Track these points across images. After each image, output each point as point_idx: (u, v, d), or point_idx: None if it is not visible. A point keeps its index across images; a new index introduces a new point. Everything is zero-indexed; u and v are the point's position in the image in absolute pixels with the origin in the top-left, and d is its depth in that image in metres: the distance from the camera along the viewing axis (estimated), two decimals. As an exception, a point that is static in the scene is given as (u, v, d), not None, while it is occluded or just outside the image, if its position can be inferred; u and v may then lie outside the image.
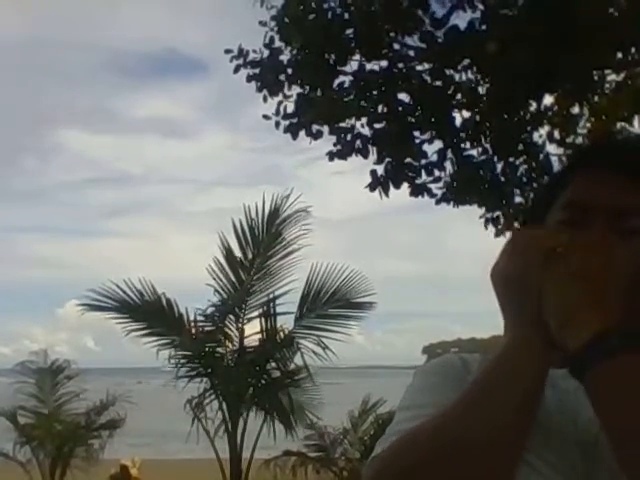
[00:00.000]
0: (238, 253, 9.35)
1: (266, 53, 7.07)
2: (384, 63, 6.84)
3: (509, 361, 1.01)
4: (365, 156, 6.97)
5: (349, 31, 6.73)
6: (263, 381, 9.33)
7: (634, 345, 0.95)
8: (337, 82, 6.94)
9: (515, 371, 0.99)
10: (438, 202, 7.17)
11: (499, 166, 7.10)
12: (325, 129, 7.12)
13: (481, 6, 6.52)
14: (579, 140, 7.59)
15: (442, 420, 0.98)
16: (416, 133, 6.95)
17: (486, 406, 0.98)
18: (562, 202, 1.14)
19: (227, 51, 7.22)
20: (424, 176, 7.01)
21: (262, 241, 9.30)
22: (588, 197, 1.12)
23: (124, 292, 9.17)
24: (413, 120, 6.90)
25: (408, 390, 1.19)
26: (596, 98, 7.39)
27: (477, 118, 6.93)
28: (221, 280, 9.35)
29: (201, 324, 9.44)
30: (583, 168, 1.16)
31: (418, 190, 7.06)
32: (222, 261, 9.35)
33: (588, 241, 1.04)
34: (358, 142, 7.00)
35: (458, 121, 6.98)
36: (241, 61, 7.15)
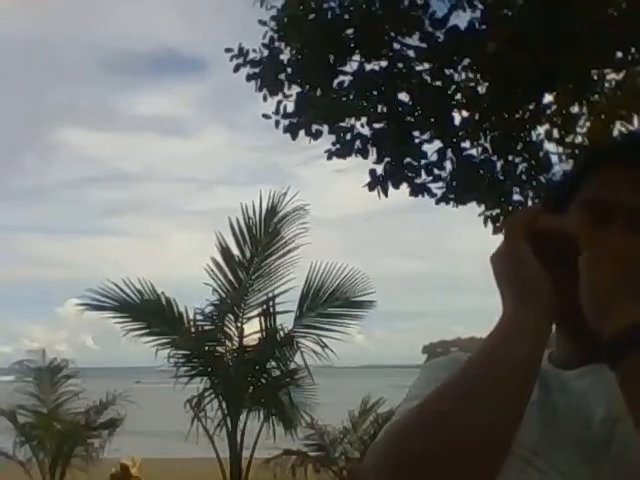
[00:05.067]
0: (236, 252, 9.36)
1: (266, 52, 7.08)
2: (384, 63, 6.84)
3: (504, 331, 1.02)
4: (364, 156, 6.97)
5: (349, 31, 6.74)
6: (263, 380, 9.34)
7: None
8: (337, 82, 6.94)
9: (511, 339, 1.00)
10: (438, 202, 7.17)
11: (499, 165, 7.10)
12: (325, 128, 7.12)
13: (481, 6, 6.53)
14: (578, 139, 7.58)
15: (441, 396, 1.00)
16: (416, 133, 6.96)
17: (484, 378, 0.99)
18: (584, 198, 1.15)
19: (227, 50, 7.22)
20: (424, 176, 7.02)
21: (260, 240, 9.30)
22: (610, 195, 1.12)
23: (123, 291, 9.17)
24: (413, 120, 6.90)
25: (415, 383, 1.21)
26: (595, 97, 7.39)
27: (477, 117, 6.93)
28: (219, 279, 9.35)
29: (200, 323, 9.45)
30: (607, 162, 1.16)
31: (418, 190, 7.05)
32: (220, 260, 9.36)
33: (616, 232, 1.05)
34: (357, 142, 7.00)
35: (458, 120, 6.99)
36: (241, 60, 7.15)
